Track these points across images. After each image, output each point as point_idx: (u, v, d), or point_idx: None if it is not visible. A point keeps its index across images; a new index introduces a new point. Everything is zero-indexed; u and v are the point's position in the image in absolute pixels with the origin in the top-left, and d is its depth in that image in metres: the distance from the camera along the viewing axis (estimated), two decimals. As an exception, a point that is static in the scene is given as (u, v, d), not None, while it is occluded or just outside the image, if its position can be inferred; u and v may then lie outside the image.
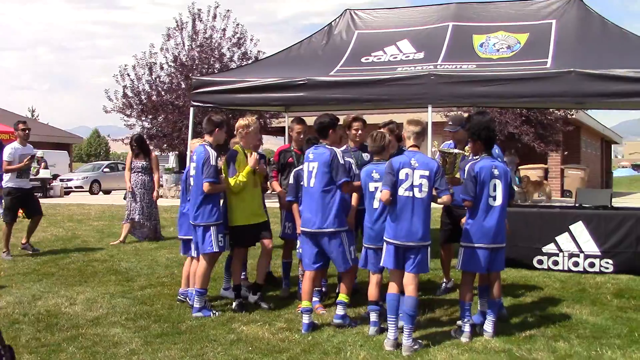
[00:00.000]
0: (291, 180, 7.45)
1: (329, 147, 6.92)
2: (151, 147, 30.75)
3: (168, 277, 9.28)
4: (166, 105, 27.70)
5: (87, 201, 24.86)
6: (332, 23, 11.51)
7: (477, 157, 6.68)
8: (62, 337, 6.46)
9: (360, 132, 7.95)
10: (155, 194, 12.72)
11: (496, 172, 6.43)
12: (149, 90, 28.35)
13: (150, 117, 28.60)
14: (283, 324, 6.94)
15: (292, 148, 8.41)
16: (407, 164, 6.21)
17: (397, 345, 6.08)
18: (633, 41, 9.65)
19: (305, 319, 6.69)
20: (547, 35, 9.96)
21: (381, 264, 6.45)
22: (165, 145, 28.86)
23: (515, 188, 25.17)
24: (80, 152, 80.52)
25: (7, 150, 11.09)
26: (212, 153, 7.32)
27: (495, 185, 6.41)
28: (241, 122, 7.59)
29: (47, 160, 37.12)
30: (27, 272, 9.69)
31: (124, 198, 13.23)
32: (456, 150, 7.01)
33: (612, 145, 56.31)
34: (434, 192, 6.26)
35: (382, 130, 7.14)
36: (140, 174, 12.72)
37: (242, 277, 8.03)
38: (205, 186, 7.22)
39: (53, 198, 28.96)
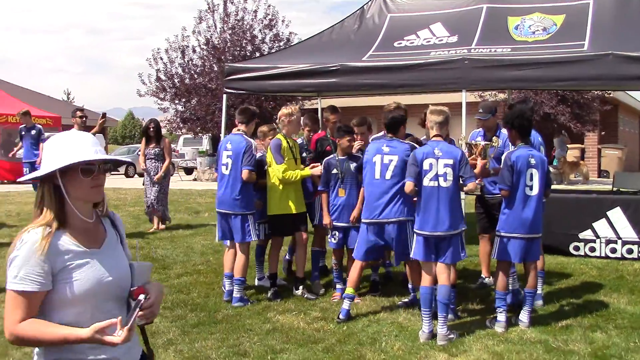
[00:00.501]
0: (321, 170, 7.44)
1: (406, 142, 6.88)
2: (184, 130, 31.23)
3: (204, 265, 9.37)
4: (199, 88, 27.80)
5: (123, 184, 25.12)
6: (365, 7, 11.40)
7: (514, 146, 6.61)
8: (101, 327, 6.56)
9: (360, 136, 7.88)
10: (158, 175, 12.33)
11: (533, 161, 6.37)
12: (182, 74, 28.45)
13: (183, 100, 28.72)
14: (318, 313, 6.99)
15: (328, 136, 8.38)
16: (431, 154, 6.20)
17: (433, 336, 6.09)
18: (674, 22, 9.43)
19: (346, 305, 6.76)
20: (584, 16, 9.76)
21: (411, 256, 6.45)
22: (199, 128, 28.99)
23: (552, 169, 24.93)
24: (115, 134, 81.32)
25: None
26: (253, 143, 7.42)
27: (532, 174, 6.35)
28: (284, 110, 7.75)
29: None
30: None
31: (143, 184, 13.13)
32: (483, 142, 6.93)
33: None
34: (460, 180, 6.25)
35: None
36: (153, 160, 12.51)
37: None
38: (245, 174, 7.30)
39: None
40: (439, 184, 6.16)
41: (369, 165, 6.80)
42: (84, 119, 11.71)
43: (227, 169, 7.47)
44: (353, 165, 7.45)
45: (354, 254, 6.95)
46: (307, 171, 7.59)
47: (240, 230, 7.39)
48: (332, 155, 7.61)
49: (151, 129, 12.62)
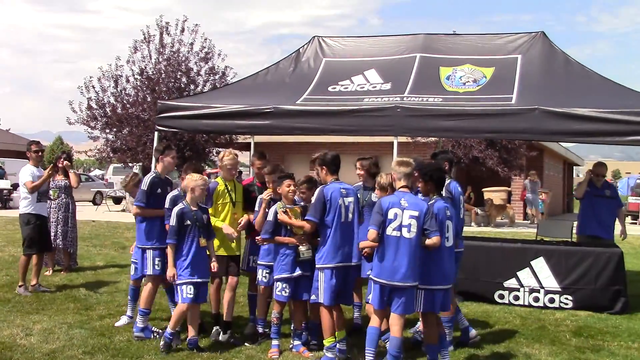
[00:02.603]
0: (270, 217, 7.15)
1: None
2: (114, 160, 30.65)
3: (128, 306, 9.12)
4: (131, 118, 27.39)
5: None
6: (300, 50, 11.52)
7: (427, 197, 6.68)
8: (15, 374, 6.31)
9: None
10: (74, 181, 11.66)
11: (448, 213, 6.49)
12: (114, 103, 28.01)
13: (114, 130, 28.25)
14: (257, 349, 6.89)
15: (254, 182, 8.22)
16: (397, 204, 6.24)
17: None
18: (594, 79, 9.85)
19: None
20: (513, 70, 10.10)
21: (369, 301, 6.47)
22: (129, 158, 28.52)
23: (479, 211, 25.48)
24: (43, 160, 79.28)
25: (26, 172, 10.19)
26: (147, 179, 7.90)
27: (448, 226, 6.46)
28: (220, 154, 7.95)
29: (7, 170, 36.63)
30: (-18, 297, 9.46)
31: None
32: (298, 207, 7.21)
33: (574, 167, 57.11)
34: (424, 233, 6.31)
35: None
36: (62, 195, 11.77)
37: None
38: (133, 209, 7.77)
39: (13, 209, 28.42)
40: (401, 234, 6.19)
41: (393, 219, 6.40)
42: (40, 153, 10.50)
43: None
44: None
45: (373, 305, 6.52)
46: (219, 224, 7.52)
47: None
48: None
49: (61, 162, 11.59)
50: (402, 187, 6.42)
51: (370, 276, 6.40)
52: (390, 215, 6.21)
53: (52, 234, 11.37)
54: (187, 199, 7.24)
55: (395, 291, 6.22)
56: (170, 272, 7.13)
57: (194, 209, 7.20)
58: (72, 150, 43.51)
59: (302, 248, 6.96)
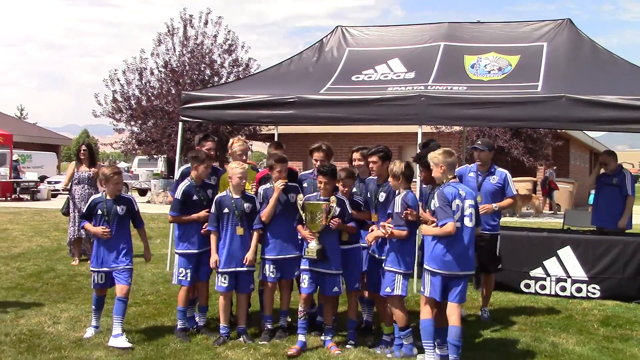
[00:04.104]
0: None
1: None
2: (139, 152, 30.89)
3: (153, 295, 9.20)
4: (156, 110, 27.59)
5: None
6: (324, 39, 11.48)
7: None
8: (44, 361, 6.38)
9: (319, 163, 7.46)
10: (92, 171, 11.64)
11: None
12: (139, 95, 28.22)
13: (139, 122, 28.47)
14: (268, 349, 6.88)
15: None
16: (457, 195, 6.20)
17: None
18: (622, 66, 9.71)
19: None
20: (539, 58, 9.98)
21: (427, 294, 6.25)
22: (154, 150, 28.72)
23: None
24: (69, 152, 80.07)
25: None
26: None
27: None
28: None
29: (35, 162, 37.05)
30: (11, 286, 9.58)
31: (63, 212, 12.09)
32: (322, 203, 6.85)
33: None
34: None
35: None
36: (85, 185, 11.61)
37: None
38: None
39: (40, 201, 28.78)
40: (463, 224, 6.17)
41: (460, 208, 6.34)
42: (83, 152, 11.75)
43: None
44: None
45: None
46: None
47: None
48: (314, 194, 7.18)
49: (82, 151, 11.79)
50: (452, 177, 6.34)
51: (429, 268, 6.21)
52: (454, 206, 6.16)
53: (77, 224, 11.41)
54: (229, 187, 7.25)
55: (453, 280, 6.19)
56: (212, 258, 7.13)
57: (235, 197, 7.15)
58: (97, 142, 43.90)
59: (311, 245, 6.81)
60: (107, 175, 7.11)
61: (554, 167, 28.01)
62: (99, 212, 7.10)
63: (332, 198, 6.82)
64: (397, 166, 6.61)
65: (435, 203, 6.21)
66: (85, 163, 11.77)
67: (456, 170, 6.97)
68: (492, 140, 24.31)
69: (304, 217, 6.88)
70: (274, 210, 7.10)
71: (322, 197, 6.91)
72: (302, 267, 6.97)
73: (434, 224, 6.24)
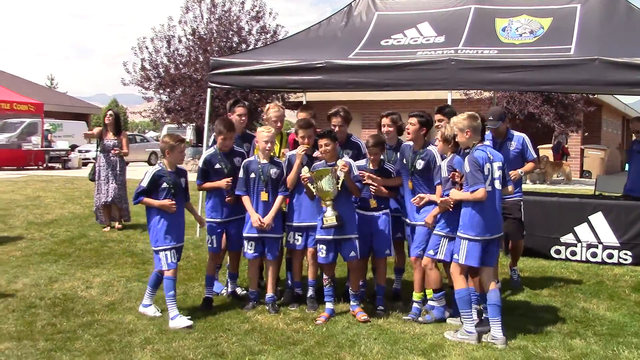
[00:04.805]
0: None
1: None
2: (168, 120, 31.00)
3: (184, 261, 9.21)
4: (184, 78, 27.59)
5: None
6: (352, 3, 11.34)
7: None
8: (77, 324, 6.49)
9: (338, 128, 7.44)
10: (117, 150, 11.78)
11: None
12: (167, 64, 28.23)
13: (168, 90, 28.52)
14: (298, 314, 6.94)
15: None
16: (487, 158, 6.15)
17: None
18: (659, 27, 9.45)
19: None
20: (571, 20, 9.77)
21: (463, 262, 6.15)
22: (182, 118, 28.81)
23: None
24: (99, 121, 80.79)
25: None
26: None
27: None
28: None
29: (66, 131, 37.43)
30: (44, 252, 9.74)
31: (90, 178, 12.12)
32: (329, 168, 6.73)
33: None
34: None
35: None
36: (109, 154, 11.73)
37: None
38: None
39: (71, 170, 29.11)
40: (493, 187, 6.15)
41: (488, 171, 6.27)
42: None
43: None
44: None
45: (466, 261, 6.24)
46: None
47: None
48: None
49: (109, 116, 12.00)
50: (479, 141, 6.27)
51: (466, 235, 6.10)
52: (485, 170, 6.10)
53: (103, 191, 11.67)
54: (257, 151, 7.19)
55: (490, 244, 6.17)
56: (253, 218, 6.98)
57: (263, 161, 7.08)
58: (127, 110, 44.12)
59: (327, 214, 6.73)
60: (171, 144, 6.76)
61: (586, 133, 27.59)
62: (164, 185, 6.70)
63: (339, 162, 6.71)
64: (449, 130, 6.48)
65: (465, 167, 6.14)
66: (112, 130, 11.85)
67: None
68: (522, 105, 24.03)
69: (313, 189, 6.78)
70: (296, 177, 7.05)
71: (328, 163, 6.85)
72: (317, 237, 6.93)
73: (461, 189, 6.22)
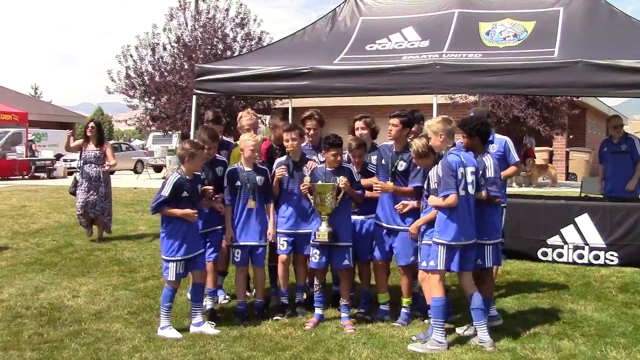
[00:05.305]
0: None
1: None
2: (154, 128, 30.89)
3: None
4: (169, 86, 27.50)
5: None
6: (337, 9, 11.33)
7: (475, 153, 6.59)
8: (64, 333, 6.46)
9: (312, 131, 7.52)
10: (106, 167, 11.40)
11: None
12: (152, 71, 28.13)
13: (153, 98, 28.42)
14: (286, 319, 6.92)
15: (274, 145, 7.92)
16: (460, 163, 6.14)
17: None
18: (641, 30, 9.52)
19: None
20: (555, 23, 9.80)
21: (442, 268, 6.10)
22: (168, 126, 28.71)
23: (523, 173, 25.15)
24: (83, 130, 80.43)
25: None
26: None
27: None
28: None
29: (50, 140, 37.24)
30: (30, 261, 9.67)
31: (71, 192, 11.79)
32: (331, 183, 6.69)
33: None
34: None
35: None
36: (92, 165, 11.32)
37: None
38: None
39: (57, 179, 28.94)
40: (467, 192, 6.14)
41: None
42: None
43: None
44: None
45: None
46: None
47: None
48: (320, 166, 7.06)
49: (90, 128, 11.53)
50: (451, 145, 6.27)
51: (442, 240, 6.06)
52: (459, 175, 6.08)
53: (81, 199, 11.27)
54: (241, 159, 7.12)
55: (468, 249, 6.17)
56: (227, 234, 7.01)
57: (247, 169, 7.04)
58: (112, 119, 43.95)
59: (322, 228, 6.70)
60: (191, 151, 6.55)
61: (571, 136, 27.71)
62: (185, 193, 6.54)
63: (341, 178, 6.64)
64: (419, 145, 6.37)
65: (438, 172, 6.11)
66: (93, 141, 11.48)
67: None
68: (507, 109, 24.14)
69: (312, 200, 6.76)
70: (278, 187, 7.11)
71: (327, 169, 6.83)
72: (311, 242, 6.89)
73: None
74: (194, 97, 10.79)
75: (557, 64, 8.77)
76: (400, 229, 6.79)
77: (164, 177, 29.34)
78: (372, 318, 6.92)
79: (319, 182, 6.72)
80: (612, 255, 9.28)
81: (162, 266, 9.16)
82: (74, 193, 11.58)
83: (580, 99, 27.11)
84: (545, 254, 9.60)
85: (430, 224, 6.34)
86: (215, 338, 6.31)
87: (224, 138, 8.12)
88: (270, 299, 7.62)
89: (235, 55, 26.67)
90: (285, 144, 7.14)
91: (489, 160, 6.43)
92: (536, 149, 27.46)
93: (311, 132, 7.45)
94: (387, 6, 11.29)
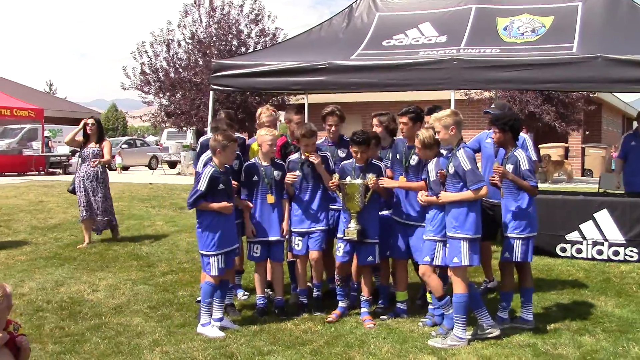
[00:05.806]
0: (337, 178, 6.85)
1: None
2: (168, 124, 30.99)
3: (189, 263, 9.29)
4: (184, 82, 27.62)
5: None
6: (353, 5, 11.32)
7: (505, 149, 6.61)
8: (85, 326, 6.51)
9: (334, 127, 7.47)
10: (96, 163, 10.78)
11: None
12: (167, 67, 28.24)
13: (167, 94, 28.54)
14: (306, 314, 6.94)
15: (289, 141, 7.81)
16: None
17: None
18: (662, 25, 9.45)
19: None
20: (573, 18, 9.75)
21: (466, 263, 6.06)
22: (183, 122, 28.81)
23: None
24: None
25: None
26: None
27: None
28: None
29: (65, 136, 37.47)
30: (49, 256, 9.74)
31: (70, 190, 11.40)
32: (359, 181, 6.64)
33: (634, 122, 55.64)
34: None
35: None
36: (91, 163, 10.78)
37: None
38: None
39: (72, 174, 29.08)
40: None
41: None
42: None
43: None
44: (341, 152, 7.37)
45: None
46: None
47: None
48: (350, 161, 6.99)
49: (91, 128, 11.01)
50: (460, 139, 6.27)
51: (465, 235, 6.03)
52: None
53: (83, 204, 10.77)
54: (259, 155, 7.10)
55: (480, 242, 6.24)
56: (247, 228, 6.99)
57: (265, 164, 7.03)
58: (126, 114, 44.11)
59: (351, 226, 6.67)
60: (223, 143, 6.47)
61: (587, 132, 27.54)
62: (221, 186, 6.48)
63: (370, 177, 6.63)
64: (426, 135, 6.37)
65: (465, 165, 6.05)
66: (93, 139, 11.04)
67: (475, 136, 7.03)
68: (523, 105, 24.00)
69: (340, 197, 6.78)
70: (292, 186, 7.10)
71: (357, 165, 6.80)
72: (338, 235, 6.90)
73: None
74: (211, 92, 10.82)
75: (576, 59, 8.73)
76: (416, 225, 6.79)
77: (178, 173, 29.48)
78: (389, 316, 6.90)
79: (348, 180, 6.69)
80: (632, 251, 9.21)
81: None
82: (73, 191, 11.18)
83: (596, 94, 26.95)
84: (564, 249, 9.55)
85: (435, 219, 6.33)
86: (236, 332, 6.34)
87: (237, 135, 8.11)
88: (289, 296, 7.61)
89: (249, 51, 26.72)
90: (302, 148, 7.10)
91: (520, 154, 6.44)
92: (552, 145, 27.27)
93: (332, 128, 7.42)
94: (404, 2, 11.27)
